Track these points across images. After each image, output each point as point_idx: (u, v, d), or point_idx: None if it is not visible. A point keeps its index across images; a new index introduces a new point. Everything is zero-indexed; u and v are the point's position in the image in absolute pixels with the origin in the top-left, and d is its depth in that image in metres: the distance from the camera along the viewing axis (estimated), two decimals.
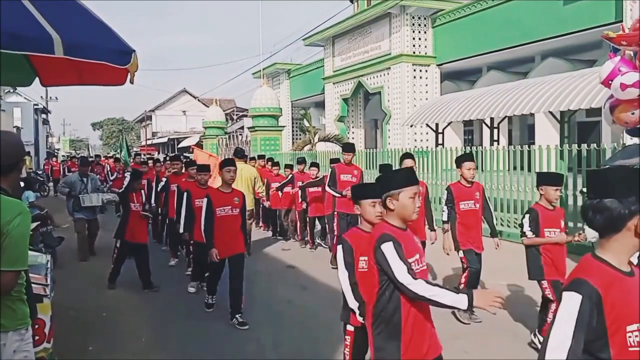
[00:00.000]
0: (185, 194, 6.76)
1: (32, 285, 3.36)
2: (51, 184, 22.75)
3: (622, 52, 5.51)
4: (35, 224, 7.00)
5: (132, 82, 3.46)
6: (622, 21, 10.49)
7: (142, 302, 6.52)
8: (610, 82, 5.21)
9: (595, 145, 8.02)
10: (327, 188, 7.87)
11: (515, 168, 9.71)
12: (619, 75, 5.08)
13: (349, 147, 8.03)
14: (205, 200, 5.51)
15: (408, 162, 6.10)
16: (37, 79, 4.10)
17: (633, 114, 5.09)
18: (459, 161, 5.61)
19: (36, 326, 3.20)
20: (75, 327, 5.41)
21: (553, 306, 4.34)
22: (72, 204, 8.96)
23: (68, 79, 4.03)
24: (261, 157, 13.68)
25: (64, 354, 4.44)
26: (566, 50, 15.15)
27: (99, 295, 6.72)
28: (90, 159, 17.53)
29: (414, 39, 18.09)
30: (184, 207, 6.67)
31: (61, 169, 23.32)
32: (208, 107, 31.56)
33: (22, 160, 2.50)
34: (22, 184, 12.32)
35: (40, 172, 23.99)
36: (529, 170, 9.23)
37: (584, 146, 8.20)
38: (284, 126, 23.48)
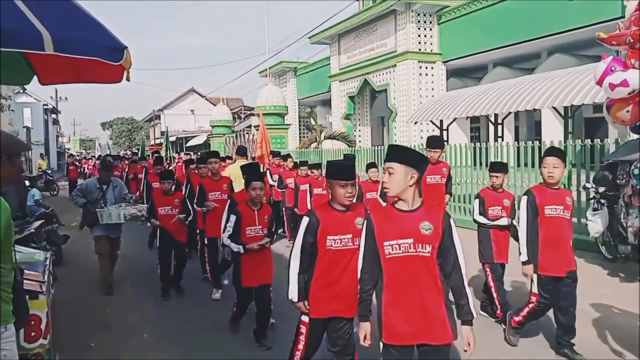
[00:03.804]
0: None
1: (29, 282, 3.40)
2: (65, 183, 22.68)
3: (620, 52, 5.50)
4: (39, 222, 7.10)
5: (128, 79, 3.49)
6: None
7: (144, 300, 6.55)
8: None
9: (599, 140, 7.96)
10: None
11: (519, 165, 9.65)
12: (608, 76, 5.09)
13: (434, 142, 6.22)
14: (233, 218, 4.70)
15: (551, 161, 4.25)
16: (35, 77, 4.15)
17: (628, 111, 5.08)
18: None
19: (32, 322, 3.24)
20: (78, 324, 5.46)
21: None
22: (83, 217, 7.07)
23: (65, 77, 4.07)
24: (277, 154, 11.32)
25: (65, 351, 4.49)
26: (573, 45, 15.00)
27: (101, 292, 6.76)
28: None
29: (419, 36, 18.01)
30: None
31: (80, 169, 22.99)
32: (216, 106, 31.64)
33: (11, 158, 2.50)
34: (27, 182, 12.50)
35: (49, 171, 24.14)
36: (533, 166, 9.17)
37: (588, 141, 8.15)
38: (289, 124, 23.51)
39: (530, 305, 4.46)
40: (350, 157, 8.29)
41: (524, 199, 4.36)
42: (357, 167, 8.88)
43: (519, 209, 4.54)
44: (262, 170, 8.43)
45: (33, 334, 3.28)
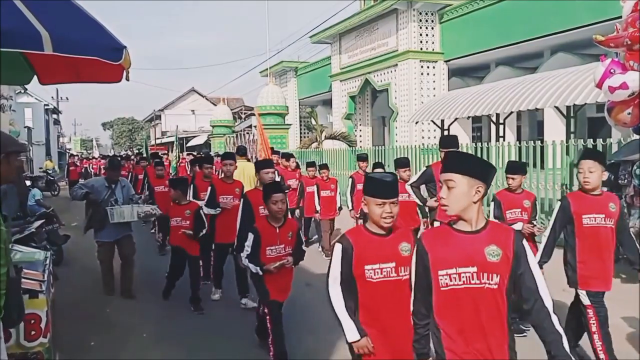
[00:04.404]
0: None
1: (29, 281, 3.40)
2: (65, 183, 22.70)
3: (619, 53, 5.48)
4: (40, 221, 7.11)
5: (127, 79, 3.49)
6: None
7: (144, 299, 6.55)
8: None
9: (601, 140, 7.93)
10: (407, 187, 6.25)
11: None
12: (607, 78, 5.06)
13: (449, 142, 5.99)
14: (251, 236, 4.19)
15: (587, 165, 3.88)
16: (35, 77, 4.14)
17: (629, 114, 5.06)
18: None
19: (32, 321, 3.25)
20: (78, 323, 5.47)
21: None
22: (91, 218, 6.55)
23: (65, 77, 4.05)
24: (284, 155, 10.49)
25: (65, 350, 4.49)
26: (575, 45, 14.96)
27: (102, 292, 6.76)
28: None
29: (421, 35, 18.01)
30: None
31: (82, 169, 22.92)
32: (216, 105, 31.63)
33: (8, 156, 2.50)
34: (28, 182, 12.52)
35: (50, 171, 24.13)
36: (534, 166, 9.14)
37: (590, 141, 8.12)
38: (290, 124, 23.51)
39: (593, 325, 3.87)
40: (381, 165, 8.19)
41: (558, 205, 4.10)
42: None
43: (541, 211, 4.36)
44: None
45: (33, 332, 3.29)
